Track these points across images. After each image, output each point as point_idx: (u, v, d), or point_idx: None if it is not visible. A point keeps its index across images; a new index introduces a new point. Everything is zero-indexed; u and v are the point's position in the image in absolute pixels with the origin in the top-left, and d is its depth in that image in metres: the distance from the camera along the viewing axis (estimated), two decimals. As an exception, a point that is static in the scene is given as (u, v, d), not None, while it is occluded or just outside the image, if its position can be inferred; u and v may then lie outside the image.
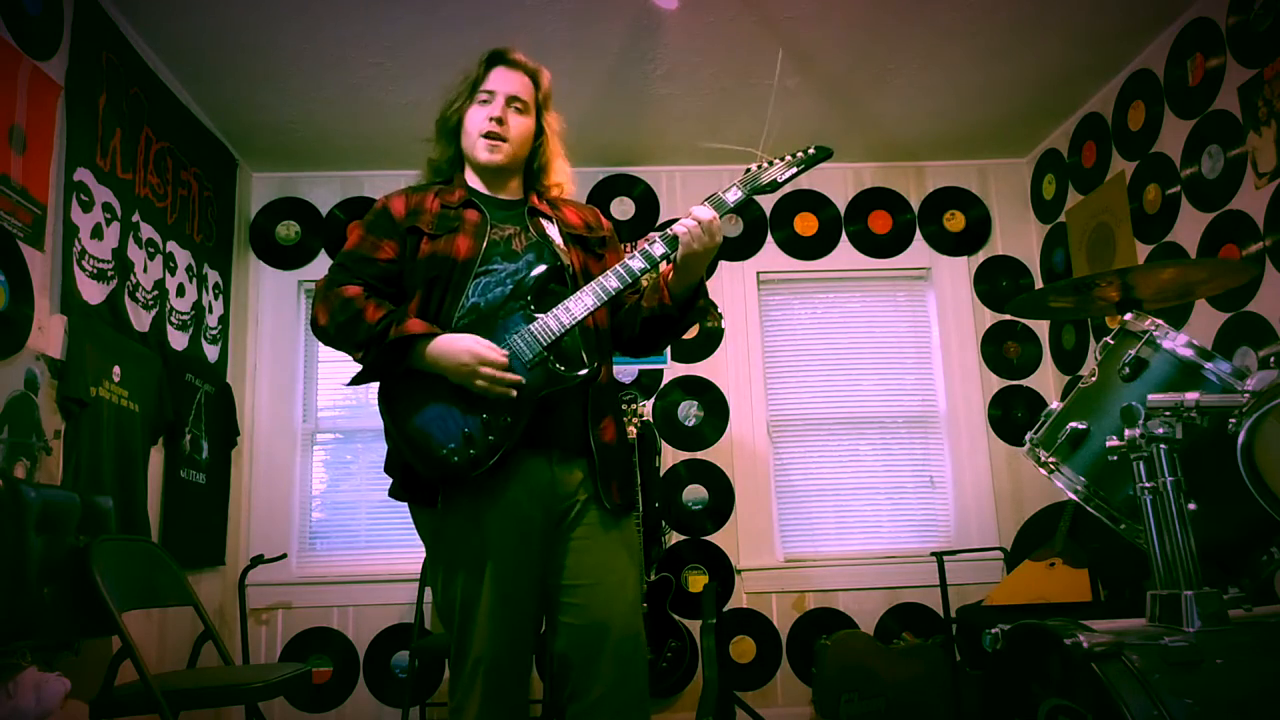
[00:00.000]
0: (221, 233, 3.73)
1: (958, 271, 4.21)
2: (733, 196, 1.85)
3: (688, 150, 4.05)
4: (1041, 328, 4.16)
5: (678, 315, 1.88)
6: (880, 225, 4.24)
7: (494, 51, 1.97)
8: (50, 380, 2.52)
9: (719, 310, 4.11)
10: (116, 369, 2.81)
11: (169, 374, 3.16)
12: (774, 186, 1.89)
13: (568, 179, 2.01)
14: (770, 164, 1.89)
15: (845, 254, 4.20)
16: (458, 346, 1.71)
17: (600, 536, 1.79)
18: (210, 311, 3.60)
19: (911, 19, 3.16)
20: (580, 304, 1.76)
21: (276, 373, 3.97)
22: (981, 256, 4.24)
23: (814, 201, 4.23)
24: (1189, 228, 3.19)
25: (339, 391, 4.07)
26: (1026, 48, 3.36)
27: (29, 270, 2.42)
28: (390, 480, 1.84)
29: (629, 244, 2.01)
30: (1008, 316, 4.13)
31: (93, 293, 2.74)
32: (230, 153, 3.85)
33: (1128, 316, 1.83)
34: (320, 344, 3.99)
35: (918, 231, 4.24)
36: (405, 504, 1.83)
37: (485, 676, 1.70)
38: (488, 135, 1.89)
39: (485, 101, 1.92)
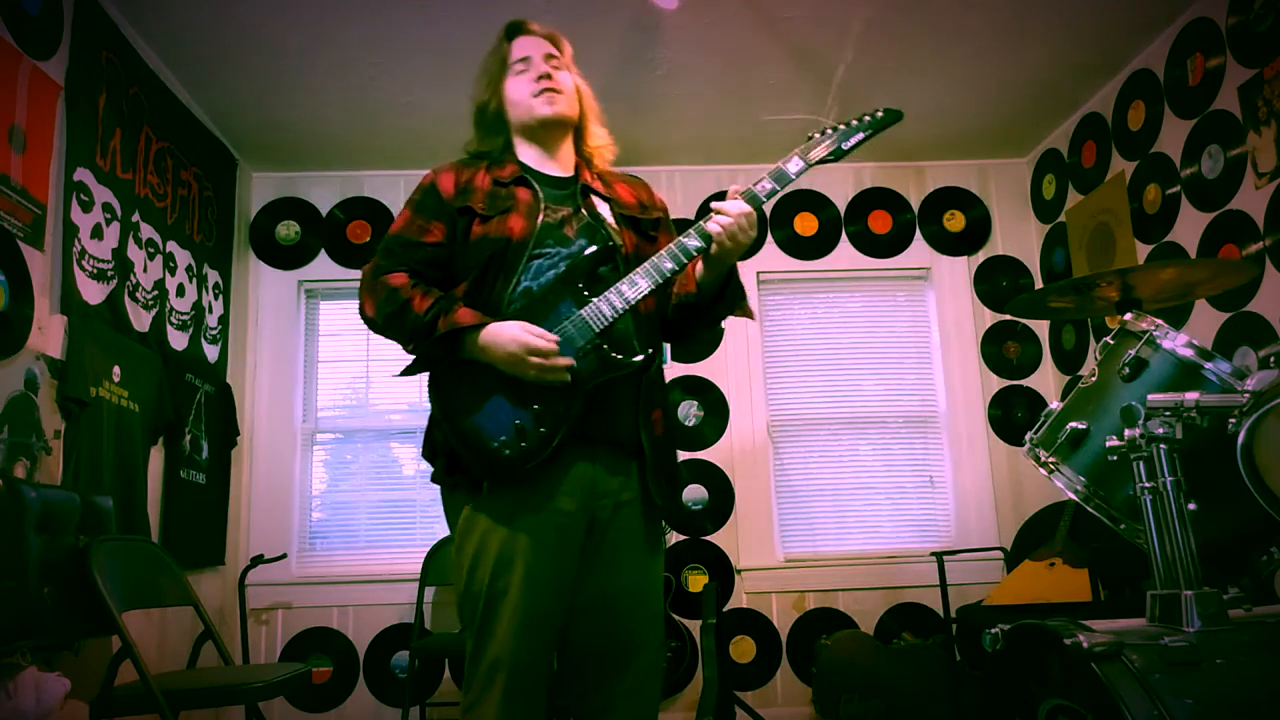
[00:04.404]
0: (221, 233, 3.73)
1: (958, 271, 4.21)
2: (794, 167, 1.74)
3: (688, 150, 4.05)
4: (1041, 328, 4.16)
5: (706, 305, 1.81)
6: (880, 225, 4.24)
7: (512, 24, 1.92)
8: (50, 380, 2.52)
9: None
10: (116, 369, 2.81)
11: (169, 374, 3.16)
12: (838, 155, 1.76)
13: (606, 141, 1.95)
14: (834, 130, 1.76)
15: (845, 254, 4.20)
16: (505, 336, 1.63)
17: (637, 543, 1.74)
18: (210, 311, 3.60)
19: (911, 18, 3.16)
20: (634, 287, 1.67)
21: (276, 373, 3.96)
22: (981, 256, 4.24)
23: (814, 201, 4.23)
24: (1189, 228, 3.19)
25: (339, 391, 4.07)
26: (1027, 48, 3.36)
27: (29, 270, 2.42)
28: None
29: None
30: (1008, 316, 4.13)
31: (93, 293, 2.74)
32: (230, 153, 3.85)
33: (1128, 316, 1.83)
34: (320, 344, 4.05)
35: (918, 231, 4.24)
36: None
37: (508, 678, 1.62)
38: (542, 91, 1.82)
39: (522, 71, 1.86)
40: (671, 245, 1.71)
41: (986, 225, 4.26)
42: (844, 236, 4.21)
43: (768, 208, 4.20)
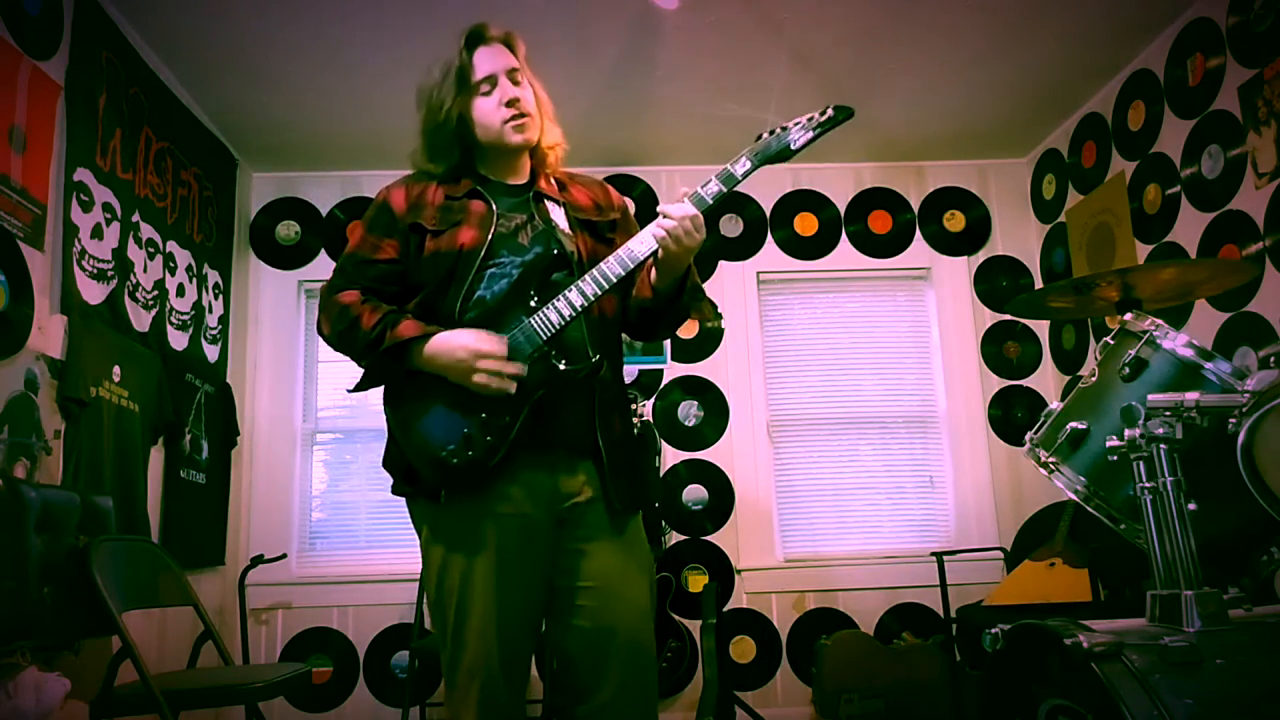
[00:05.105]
0: (221, 233, 3.73)
1: (958, 271, 4.21)
2: (741, 168, 1.71)
3: (688, 150, 4.05)
4: (1041, 328, 4.16)
5: (662, 309, 1.81)
6: (880, 225, 4.24)
7: (470, 34, 1.87)
8: (50, 380, 2.52)
9: (719, 310, 4.11)
10: (116, 369, 2.81)
11: (169, 374, 3.16)
12: (787, 154, 1.72)
13: (559, 139, 1.92)
14: (784, 129, 1.74)
15: (845, 254, 4.20)
16: (454, 343, 1.65)
17: (608, 538, 1.74)
18: (210, 311, 3.60)
19: (911, 19, 3.16)
20: (580, 295, 1.67)
21: (276, 373, 3.97)
22: (981, 256, 4.24)
23: (814, 201, 4.23)
24: (1189, 228, 3.19)
25: (339, 391, 4.07)
26: (1027, 48, 3.36)
27: (29, 270, 2.42)
28: (389, 478, 1.82)
29: None
30: (1008, 316, 4.13)
31: (93, 293, 2.74)
32: (230, 153, 3.85)
33: (1128, 316, 1.83)
34: (320, 344, 4.04)
35: (918, 231, 4.24)
36: (403, 501, 1.82)
37: (482, 684, 1.64)
38: (513, 118, 1.79)
39: (487, 92, 1.82)
40: (620, 250, 1.71)
41: (986, 225, 4.26)
42: (844, 236, 4.21)
43: (769, 202, 4.21)
